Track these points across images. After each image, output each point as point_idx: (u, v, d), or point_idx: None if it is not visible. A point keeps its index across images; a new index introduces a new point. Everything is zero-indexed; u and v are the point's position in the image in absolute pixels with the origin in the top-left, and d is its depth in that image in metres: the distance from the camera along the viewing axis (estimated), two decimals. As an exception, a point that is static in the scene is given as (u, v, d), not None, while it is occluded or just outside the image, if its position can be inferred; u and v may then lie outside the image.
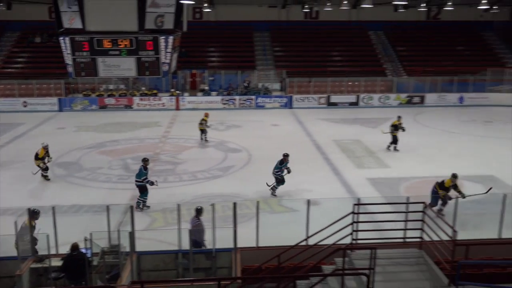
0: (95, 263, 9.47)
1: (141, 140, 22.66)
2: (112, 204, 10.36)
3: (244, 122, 26.00)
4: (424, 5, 28.61)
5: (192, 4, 23.39)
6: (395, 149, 20.37)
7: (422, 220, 9.06)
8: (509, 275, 8.96)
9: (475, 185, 16.05)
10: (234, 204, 9.98)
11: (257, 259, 9.73)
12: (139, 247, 10.09)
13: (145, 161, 14.55)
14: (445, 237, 8.38)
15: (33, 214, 10.11)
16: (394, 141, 20.30)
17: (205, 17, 35.88)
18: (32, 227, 9.93)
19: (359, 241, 9.13)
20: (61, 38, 12.15)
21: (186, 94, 31.30)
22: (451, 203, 12.91)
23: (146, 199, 14.26)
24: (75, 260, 9.07)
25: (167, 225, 13.04)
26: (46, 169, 16.80)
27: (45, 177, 16.83)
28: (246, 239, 10.42)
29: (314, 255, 8.80)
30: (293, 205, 14.09)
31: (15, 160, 18.97)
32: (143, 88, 30.95)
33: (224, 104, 30.06)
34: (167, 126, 25.68)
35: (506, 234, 11.27)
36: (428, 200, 9.39)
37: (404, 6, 27.39)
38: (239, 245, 10.08)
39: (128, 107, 29.80)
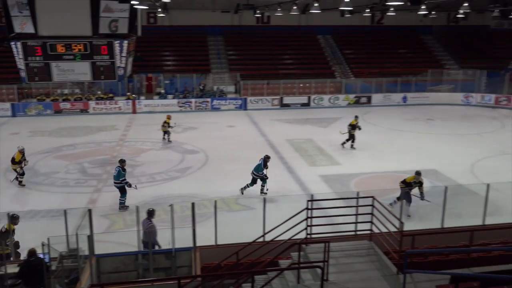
0: (53, 268, 9.15)
1: (98, 143, 22.08)
2: (70, 208, 10.06)
3: (201, 124, 25.84)
4: (368, 10, 29.33)
5: (146, 9, 23.02)
6: (352, 147, 20.78)
7: (372, 214, 9.29)
8: (451, 261, 9.32)
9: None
10: (193, 204, 9.93)
11: (216, 256, 9.70)
12: (98, 250, 9.84)
13: (122, 162, 14.28)
14: (393, 229, 8.63)
15: (13, 218, 9.97)
16: (352, 139, 20.73)
17: (159, 22, 35.43)
18: (13, 232, 9.85)
19: (313, 236, 9.27)
20: (12, 43, 11.70)
21: (142, 97, 30.73)
22: (396, 196, 13.33)
23: (125, 199, 14.08)
24: (33, 266, 8.73)
25: (126, 227, 12.77)
26: (23, 174, 16.07)
27: (20, 183, 16.05)
28: (205, 238, 10.37)
29: (271, 250, 8.86)
30: (250, 203, 14.14)
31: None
32: (99, 92, 30.17)
33: (181, 106, 29.75)
34: (124, 129, 25.15)
35: (448, 224, 11.74)
36: (376, 195, 9.60)
37: (350, 12, 27.95)
38: (198, 243, 10.02)
39: (84, 111, 28.96)
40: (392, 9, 26.77)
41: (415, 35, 38.54)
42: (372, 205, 9.29)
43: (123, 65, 12.52)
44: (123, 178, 13.98)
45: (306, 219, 9.21)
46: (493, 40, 38.16)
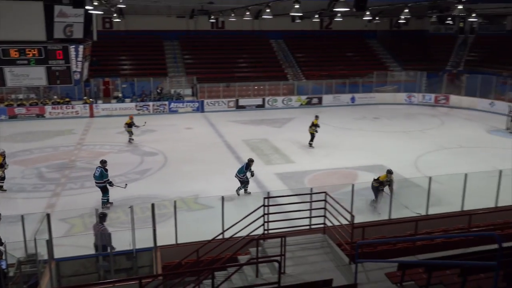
0: (11, 274, 8.77)
1: (55, 148, 21.30)
2: (27, 214, 9.66)
3: (159, 127, 25.43)
4: (317, 16, 29.85)
5: (101, 14, 22.44)
6: (310, 145, 21.04)
7: (325, 208, 9.45)
8: (399, 250, 9.61)
9: (368, 174, 17.06)
10: (152, 205, 9.77)
11: (177, 255, 9.59)
12: (58, 254, 9.50)
13: (104, 162, 14.37)
14: (344, 222, 8.80)
15: None
16: (312, 137, 21.00)
17: (115, 27, 34.63)
18: None
19: (270, 231, 9.33)
20: (-37, 48, 11.09)
21: (100, 101, 29.94)
22: (347, 191, 13.61)
23: (108, 196, 14.14)
24: (-11, 273, 8.33)
25: (86, 230, 12.34)
26: (3, 178, 15.27)
27: (1, 188, 15.26)
28: (166, 238, 10.24)
29: (230, 247, 8.84)
30: (209, 202, 14.01)
31: None
32: (55, 97, 29.07)
33: (138, 110, 29.16)
34: (82, 133, 24.38)
35: (394, 215, 12.13)
36: (329, 190, 9.77)
37: (300, 17, 28.32)
38: (159, 243, 9.87)
39: (40, 116, 27.86)
40: (339, 15, 27.32)
41: (361, 39, 39.54)
42: (325, 200, 9.44)
43: (79, 70, 12.13)
44: (107, 178, 14.03)
45: (263, 215, 9.25)
46: (432, 44, 39.80)
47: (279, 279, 7.22)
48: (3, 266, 8.54)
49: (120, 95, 30.58)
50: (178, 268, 9.17)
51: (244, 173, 15.00)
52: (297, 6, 17.74)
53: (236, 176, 15.05)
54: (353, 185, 12.05)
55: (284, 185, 16.08)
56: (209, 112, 30.06)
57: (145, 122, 22.07)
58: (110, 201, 14.29)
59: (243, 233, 9.09)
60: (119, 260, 9.86)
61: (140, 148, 21.14)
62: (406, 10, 22.62)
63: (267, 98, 31.66)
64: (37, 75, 11.69)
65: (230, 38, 36.51)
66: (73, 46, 11.76)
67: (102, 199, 14.12)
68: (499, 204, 12.47)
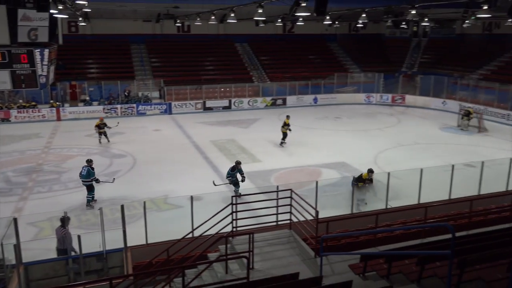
0: (-22, 280, 8.41)
1: (22, 152, 20.55)
2: (-7, 219, 9.29)
3: (127, 129, 24.94)
4: (280, 20, 30.06)
5: (67, 18, 21.83)
6: (281, 144, 21.14)
7: (290, 205, 9.51)
8: (361, 242, 9.80)
9: (331, 171, 17.33)
10: (122, 206, 9.58)
11: (147, 255, 9.46)
12: (26, 258, 9.16)
13: (90, 161, 14.35)
14: (309, 217, 8.89)
15: None
16: (284, 136, 21.09)
17: (81, 31, 33.80)
18: None
19: (238, 228, 9.33)
20: None
21: (67, 105, 29.10)
22: (311, 188, 13.75)
23: (93, 194, 14.17)
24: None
25: (55, 234, 12.00)
26: None
27: None
28: (136, 238, 10.06)
29: (200, 245, 8.79)
30: (178, 201, 13.87)
31: None
32: (21, 101, 28.05)
33: (106, 112, 28.51)
34: (49, 137, 23.63)
35: (356, 209, 12.33)
36: (294, 187, 9.85)
37: (263, 22, 28.44)
38: (130, 244, 9.69)
39: (6, 120, 26.81)
40: (301, 19, 27.63)
41: (322, 43, 40.07)
42: (291, 197, 9.51)
43: (45, 73, 11.77)
44: (94, 176, 14.05)
45: (231, 213, 9.24)
46: (388, 47, 40.81)
47: (248, 274, 7.23)
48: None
49: (87, 98, 29.82)
50: (148, 267, 9.04)
51: (231, 175, 14.63)
52: (260, 11, 17.82)
53: (227, 178, 14.75)
54: (317, 182, 12.17)
55: (251, 184, 16.07)
56: (177, 114, 29.73)
57: (118, 123, 21.64)
58: (94, 198, 14.23)
59: (212, 231, 9.04)
60: (90, 261, 9.61)
61: (109, 151, 20.68)
62: (364, 15, 23.13)
63: (233, 100, 31.61)
64: (1, 79, 11.28)
65: (196, 41, 36.27)
66: (38, 50, 11.42)
67: (87, 197, 14.11)
68: (452, 197, 12.90)
